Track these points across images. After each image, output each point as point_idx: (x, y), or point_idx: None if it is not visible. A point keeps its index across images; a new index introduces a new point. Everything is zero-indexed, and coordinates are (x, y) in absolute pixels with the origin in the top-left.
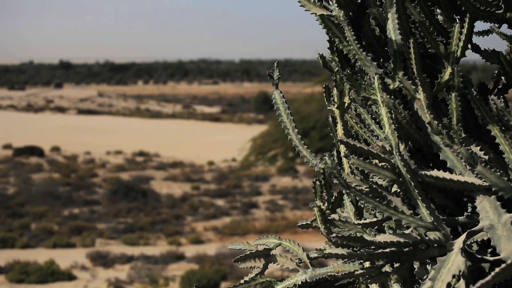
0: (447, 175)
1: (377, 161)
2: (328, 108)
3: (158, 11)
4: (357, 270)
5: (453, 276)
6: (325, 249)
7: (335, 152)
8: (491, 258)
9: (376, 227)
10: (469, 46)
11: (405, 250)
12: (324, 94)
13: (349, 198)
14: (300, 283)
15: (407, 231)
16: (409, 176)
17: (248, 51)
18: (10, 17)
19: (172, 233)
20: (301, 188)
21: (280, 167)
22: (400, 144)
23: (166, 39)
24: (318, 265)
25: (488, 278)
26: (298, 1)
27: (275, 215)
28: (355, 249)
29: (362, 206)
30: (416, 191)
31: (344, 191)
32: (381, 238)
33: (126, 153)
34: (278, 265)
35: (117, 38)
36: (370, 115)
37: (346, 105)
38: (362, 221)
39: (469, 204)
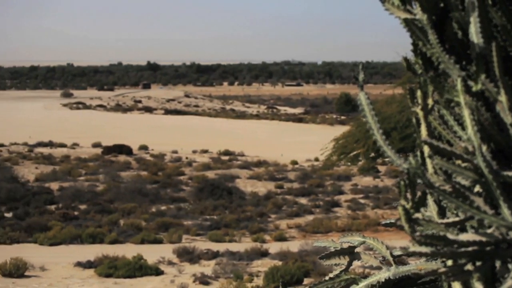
0: None
1: (460, 161)
2: (412, 109)
3: (243, 14)
4: (440, 268)
5: None
6: (409, 248)
7: (418, 153)
8: None
9: (458, 226)
10: None
11: (487, 249)
12: (408, 96)
13: (432, 197)
14: (383, 280)
15: (489, 231)
16: (491, 177)
17: (331, 53)
18: (100, 19)
19: (256, 230)
20: (382, 188)
21: (362, 166)
22: (482, 145)
23: (250, 41)
24: (399, 263)
25: None
26: (383, 5)
27: (356, 214)
28: (438, 247)
29: (445, 205)
30: (498, 191)
31: (427, 191)
32: (463, 237)
33: (212, 152)
34: (362, 262)
35: (203, 40)
36: (453, 117)
37: (429, 106)
38: (445, 220)
39: None
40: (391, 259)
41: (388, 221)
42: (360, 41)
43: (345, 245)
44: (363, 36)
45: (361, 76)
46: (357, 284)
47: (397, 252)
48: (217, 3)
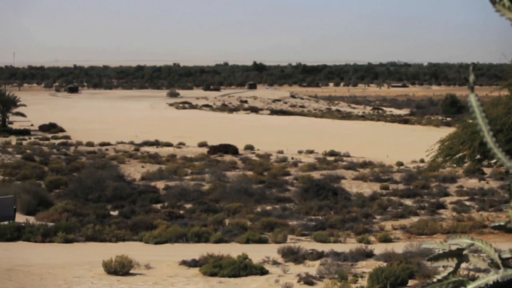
0: None
1: None
2: None
3: (348, 14)
4: None
5: None
6: None
7: None
8: None
9: None
10: None
11: None
12: None
13: None
14: (491, 283)
15: None
16: None
17: (436, 55)
18: (207, 21)
19: (361, 231)
20: (487, 190)
21: (467, 168)
22: None
23: (356, 42)
24: (507, 266)
25: None
26: (493, 7)
27: (461, 216)
28: None
29: None
30: None
31: None
32: None
33: (317, 153)
34: (469, 264)
35: (308, 41)
36: None
37: None
38: None
39: None
40: (499, 261)
41: (497, 224)
42: (465, 43)
43: (453, 247)
44: (468, 37)
45: (471, 78)
46: (465, 286)
47: (505, 255)
48: (323, 3)
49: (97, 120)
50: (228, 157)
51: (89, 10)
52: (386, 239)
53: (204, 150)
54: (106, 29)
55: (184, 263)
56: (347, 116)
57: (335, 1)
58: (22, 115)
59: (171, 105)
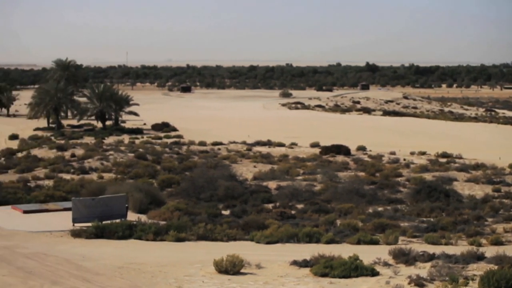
0: None
1: None
2: None
3: (462, 18)
4: None
5: None
6: None
7: None
8: None
9: None
10: None
11: None
12: None
13: None
14: None
15: None
16: None
17: None
18: (319, 23)
19: (473, 234)
20: None
21: None
22: None
23: (469, 44)
24: None
25: None
26: None
27: None
28: None
29: None
30: None
31: None
32: None
33: (429, 154)
34: None
35: (421, 42)
36: None
37: None
38: None
39: None
40: None
41: None
42: None
43: None
44: None
45: None
46: None
47: None
48: (443, 6)
49: (209, 120)
50: (340, 158)
51: (204, 11)
52: (497, 242)
53: (316, 150)
54: (219, 30)
55: (295, 263)
56: (460, 118)
57: (455, 5)
58: (135, 114)
59: (283, 105)
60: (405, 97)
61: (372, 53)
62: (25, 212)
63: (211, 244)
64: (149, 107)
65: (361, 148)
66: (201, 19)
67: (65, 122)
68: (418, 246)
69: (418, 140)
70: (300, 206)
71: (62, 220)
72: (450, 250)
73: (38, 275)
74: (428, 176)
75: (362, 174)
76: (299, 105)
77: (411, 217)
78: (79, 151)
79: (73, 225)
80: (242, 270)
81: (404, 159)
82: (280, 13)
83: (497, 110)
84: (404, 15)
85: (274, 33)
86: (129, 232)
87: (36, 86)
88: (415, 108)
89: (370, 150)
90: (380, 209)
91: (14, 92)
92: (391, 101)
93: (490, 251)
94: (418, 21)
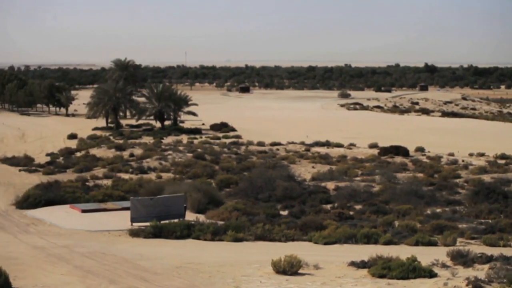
0: None
1: None
2: None
3: None
4: None
5: None
6: None
7: None
8: None
9: None
10: None
11: None
12: None
13: None
14: None
15: None
16: None
17: None
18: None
19: None
20: None
21: None
22: None
23: None
24: None
25: None
26: None
27: None
28: None
29: None
30: None
31: None
32: None
33: (488, 156)
34: None
35: (479, 42)
36: None
37: None
38: None
39: None
40: None
41: None
42: None
43: None
44: None
45: None
46: None
47: None
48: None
49: (268, 120)
50: (398, 159)
51: (263, 12)
52: None
53: (375, 151)
54: (278, 30)
55: (353, 264)
56: None
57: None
58: (194, 114)
59: (342, 105)
60: (464, 98)
61: (430, 53)
62: (84, 211)
63: (269, 244)
64: (207, 107)
65: (420, 149)
66: (260, 19)
67: (123, 122)
68: (476, 248)
69: (476, 141)
70: (358, 207)
71: (120, 219)
72: (509, 252)
73: (96, 274)
74: (486, 178)
75: (420, 175)
76: (357, 106)
77: (469, 219)
78: (138, 151)
79: (131, 224)
80: (300, 271)
81: (463, 161)
82: (340, 11)
83: None
84: (463, 15)
85: (333, 32)
86: (187, 232)
87: (95, 85)
88: (473, 109)
89: (429, 151)
90: (438, 210)
91: (72, 92)
92: (450, 102)
93: None
94: (478, 22)
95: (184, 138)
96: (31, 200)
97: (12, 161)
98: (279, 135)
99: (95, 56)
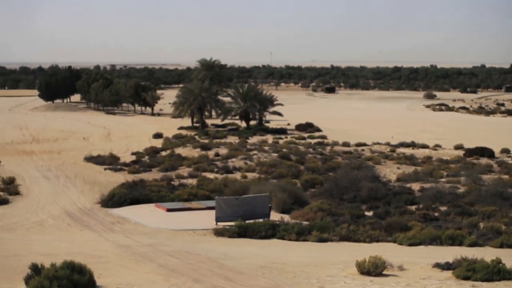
0: None
1: None
2: None
3: None
4: None
5: None
6: None
7: None
8: None
9: None
10: None
11: None
12: None
13: None
14: None
15: None
16: None
17: None
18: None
19: None
20: None
21: None
22: None
23: None
24: None
25: None
26: None
27: None
28: None
29: None
30: None
31: None
32: None
33: None
34: None
35: None
36: None
37: None
38: None
39: None
40: None
41: None
42: None
43: None
44: None
45: None
46: None
47: None
48: None
49: (353, 121)
50: (484, 160)
51: (348, 11)
52: None
53: (460, 152)
54: (363, 30)
55: (437, 265)
56: None
57: None
58: (279, 114)
59: (427, 106)
60: None
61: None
62: (169, 210)
63: (353, 245)
64: (293, 107)
65: (505, 151)
66: (344, 19)
67: (209, 122)
68: None
69: None
70: (443, 208)
71: (205, 218)
72: None
73: (180, 272)
74: None
75: (506, 177)
76: (443, 107)
77: None
78: (223, 151)
79: (216, 224)
80: (384, 272)
81: None
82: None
83: None
84: None
85: (418, 31)
86: (272, 231)
87: (181, 85)
88: None
89: None
90: None
91: (158, 91)
92: None
93: None
94: None
95: (270, 138)
96: (116, 199)
97: (97, 160)
98: (364, 135)
99: (179, 56)
